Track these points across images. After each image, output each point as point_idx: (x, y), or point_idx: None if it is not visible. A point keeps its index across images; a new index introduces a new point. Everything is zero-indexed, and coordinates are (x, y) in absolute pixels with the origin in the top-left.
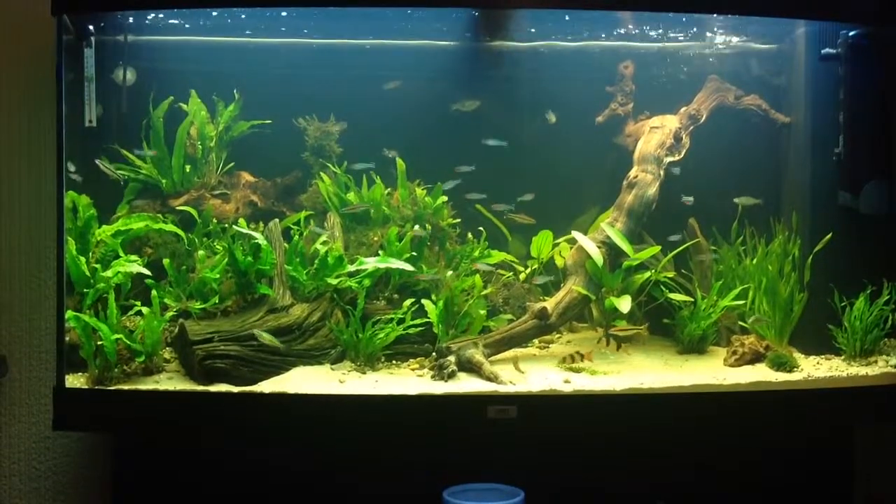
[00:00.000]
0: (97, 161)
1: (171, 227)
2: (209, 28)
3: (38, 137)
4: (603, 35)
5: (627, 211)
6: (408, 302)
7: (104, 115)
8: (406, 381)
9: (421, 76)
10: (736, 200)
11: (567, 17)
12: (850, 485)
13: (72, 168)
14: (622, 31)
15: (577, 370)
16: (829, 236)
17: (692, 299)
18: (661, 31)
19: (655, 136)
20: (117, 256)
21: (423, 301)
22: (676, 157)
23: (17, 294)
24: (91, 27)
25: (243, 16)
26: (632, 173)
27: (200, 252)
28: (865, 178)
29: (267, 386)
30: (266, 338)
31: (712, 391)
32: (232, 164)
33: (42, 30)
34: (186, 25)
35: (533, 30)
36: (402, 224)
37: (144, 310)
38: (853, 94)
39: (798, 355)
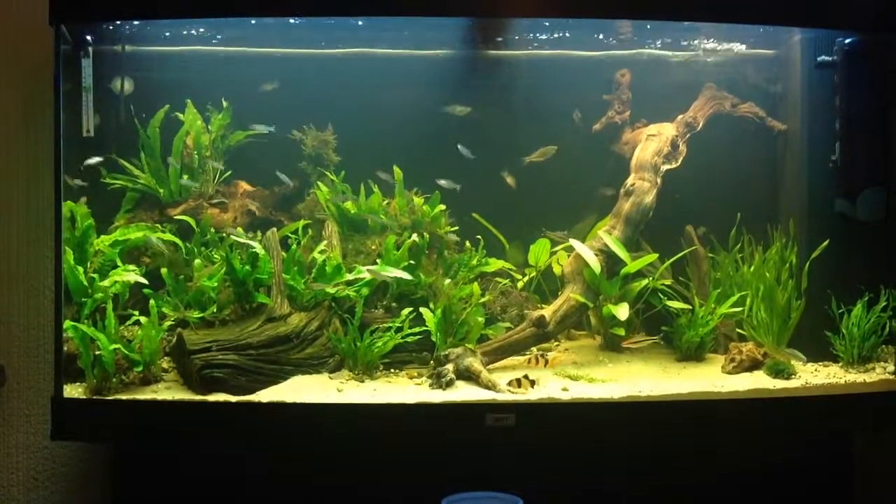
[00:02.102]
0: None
1: (169, 237)
2: (207, 38)
3: (36, 147)
4: (600, 43)
5: (625, 218)
6: (406, 310)
7: (101, 125)
8: (404, 389)
9: (417, 84)
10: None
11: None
12: (850, 489)
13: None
14: (618, 39)
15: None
16: (826, 243)
17: (690, 307)
18: (657, 38)
19: (652, 143)
20: (115, 266)
21: (422, 309)
22: (673, 165)
23: (15, 304)
24: (89, 37)
25: (243, 26)
26: (629, 181)
27: (198, 261)
28: (862, 185)
29: (265, 395)
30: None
31: (710, 398)
32: (229, 172)
33: (40, 40)
34: (184, 35)
35: (529, 38)
36: (399, 232)
37: (142, 319)
38: (849, 101)
39: (796, 362)
